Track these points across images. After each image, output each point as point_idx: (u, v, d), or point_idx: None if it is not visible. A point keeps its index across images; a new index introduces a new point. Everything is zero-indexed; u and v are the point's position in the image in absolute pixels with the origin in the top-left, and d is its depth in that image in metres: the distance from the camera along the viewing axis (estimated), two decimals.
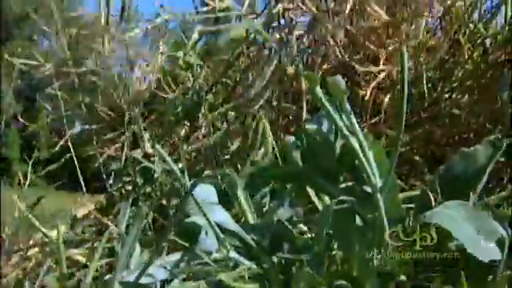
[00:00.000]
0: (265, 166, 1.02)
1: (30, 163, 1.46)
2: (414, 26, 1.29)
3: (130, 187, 1.68)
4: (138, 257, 0.88)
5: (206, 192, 0.91)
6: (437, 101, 1.31)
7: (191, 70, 1.76)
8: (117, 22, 1.59)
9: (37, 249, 1.33)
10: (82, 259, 1.19)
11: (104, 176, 1.79)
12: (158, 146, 1.15)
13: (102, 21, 1.57)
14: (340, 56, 0.92)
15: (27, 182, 1.39)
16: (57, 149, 1.88)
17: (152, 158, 1.69)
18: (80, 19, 1.95)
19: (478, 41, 1.32)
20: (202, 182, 0.93)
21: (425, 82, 1.25)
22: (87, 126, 1.94)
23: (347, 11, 0.90)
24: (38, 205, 1.41)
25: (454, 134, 1.33)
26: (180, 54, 1.76)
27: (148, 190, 1.66)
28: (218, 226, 0.87)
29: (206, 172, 1.58)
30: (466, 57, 1.31)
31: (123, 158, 1.69)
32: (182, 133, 1.83)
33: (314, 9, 0.83)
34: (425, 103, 1.29)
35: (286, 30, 1.20)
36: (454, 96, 1.33)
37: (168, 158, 0.87)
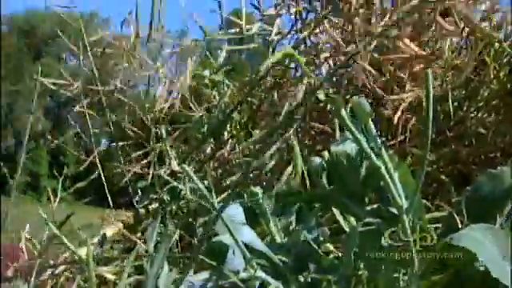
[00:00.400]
0: (292, 188, 1.03)
1: (61, 180, 1.49)
2: (439, 46, 1.29)
3: (156, 204, 1.71)
4: (167, 275, 0.89)
5: (233, 211, 0.93)
6: (463, 120, 1.30)
7: (217, 88, 1.79)
8: (144, 40, 1.63)
9: (66, 266, 1.35)
10: (112, 277, 1.21)
11: (130, 192, 1.82)
12: (185, 166, 1.17)
13: (132, 38, 1.60)
14: (367, 84, 0.93)
15: (57, 199, 1.42)
16: (83, 165, 1.91)
17: (178, 175, 1.71)
18: (105, 39, 1.99)
19: (504, 60, 1.32)
20: (229, 200, 0.94)
21: (450, 101, 1.25)
22: (113, 143, 1.97)
23: (373, 45, 0.92)
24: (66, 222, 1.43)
25: (481, 153, 1.33)
26: (206, 72, 1.79)
27: (174, 207, 1.68)
28: (245, 245, 0.89)
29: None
30: (492, 76, 1.31)
31: (150, 175, 1.71)
32: (208, 150, 1.85)
33: (339, 39, 0.85)
34: (451, 122, 1.29)
35: (314, 53, 1.21)
36: (479, 115, 1.33)
37: (195, 177, 0.88)
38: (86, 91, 1.76)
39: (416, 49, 1.14)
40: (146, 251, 1.32)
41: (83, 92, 1.73)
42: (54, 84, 1.72)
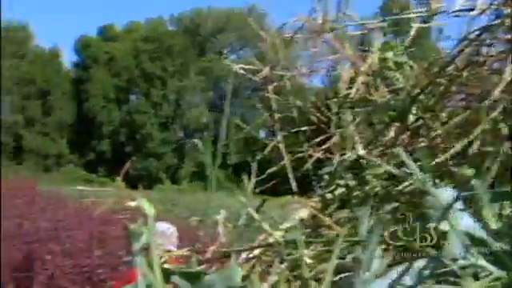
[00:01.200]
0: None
1: (253, 168, 1.52)
2: None
3: (342, 189, 1.69)
4: (380, 262, 0.87)
5: (448, 195, 0.88)
6: None
7: (402, 70, 1.73)
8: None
9: (263, 249, 1.39)
10: (309, 261, 1.21)
11: (309, 178, 1.82)
12: (399, 149, 1.14)
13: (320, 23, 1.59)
14: None
15: (250, 187, 1.45)
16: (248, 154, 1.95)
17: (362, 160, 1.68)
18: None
19: None
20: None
21: None
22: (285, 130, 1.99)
23: None
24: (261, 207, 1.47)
25: None
26: (390, 54, 1.74)
27: (360, 193, 1.66)
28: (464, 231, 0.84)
29: None
30: None
31: (335, 161, 1.70)
32: (392, 134, 1.80)
33: None
34: None
35: None
36: None
37: (409, 161, 0.85)
38: (271, 77, 1.78)
39: None
40: (337, 235, 1.32)
41: (269, 78, 1.75)
42: (243, 69, 1.77)
